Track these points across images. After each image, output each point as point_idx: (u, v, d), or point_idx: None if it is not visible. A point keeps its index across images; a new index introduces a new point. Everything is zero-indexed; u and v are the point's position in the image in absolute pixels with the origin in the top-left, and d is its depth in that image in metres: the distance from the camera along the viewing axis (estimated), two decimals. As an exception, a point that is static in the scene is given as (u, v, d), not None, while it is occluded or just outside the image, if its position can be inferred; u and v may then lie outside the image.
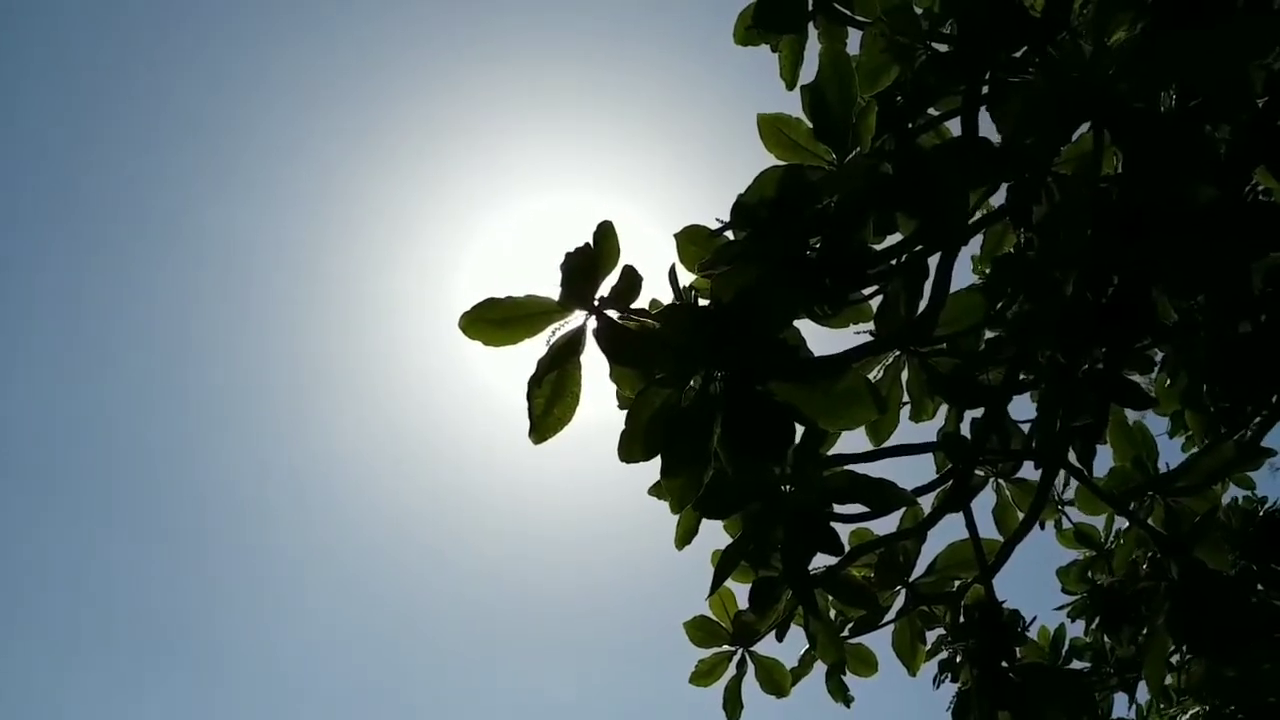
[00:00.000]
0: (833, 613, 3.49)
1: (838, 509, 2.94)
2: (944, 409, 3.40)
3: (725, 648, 3.59)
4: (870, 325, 3.01)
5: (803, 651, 3.61)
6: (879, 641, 3.57)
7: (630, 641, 24.25)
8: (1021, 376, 3.03)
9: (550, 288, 2.48)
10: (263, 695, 23.32)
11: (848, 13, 3.38)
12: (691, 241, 2.88)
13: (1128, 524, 3.53)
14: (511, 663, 23.75)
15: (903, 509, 3.20)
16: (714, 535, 3.17)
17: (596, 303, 2.48)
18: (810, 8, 3.43)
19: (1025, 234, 3.20)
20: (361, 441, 23.30)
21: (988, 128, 2.77)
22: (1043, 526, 3.56)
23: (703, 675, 3.61)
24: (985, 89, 2.79)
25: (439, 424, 22.30)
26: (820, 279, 2.66)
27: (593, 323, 2.50)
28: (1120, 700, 4.54)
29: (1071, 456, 3.14)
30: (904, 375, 3.25)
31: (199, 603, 23.27)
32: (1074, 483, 3.53)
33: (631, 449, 2.48)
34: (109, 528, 23.11)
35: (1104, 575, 3.93)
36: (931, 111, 3.18)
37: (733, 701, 3.61)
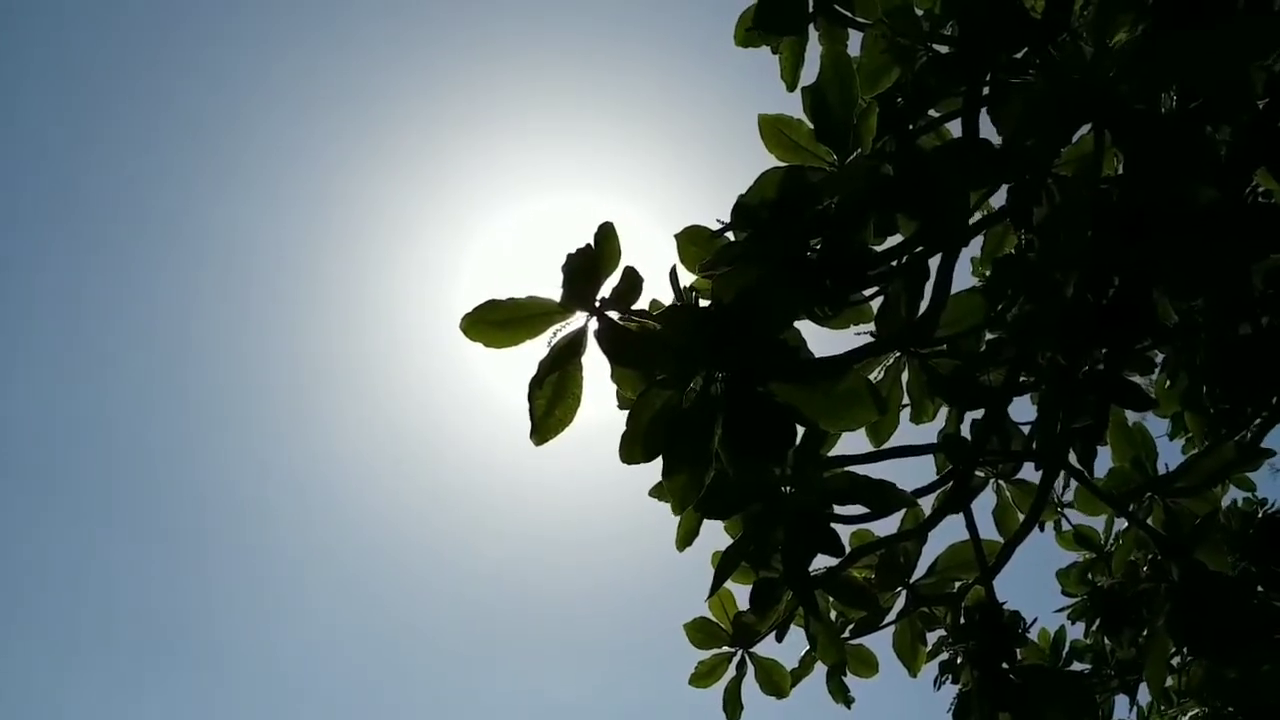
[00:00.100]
0: (833, 614, 3.49)
1: (838, 510, 2.94)
2: (944, 410, 3.39)
3: (725, 649, 3.59)
4: (871, 326, 3.01)
5: (803, 652, 3.61)
6: (880, 642, 3.58)
7: (630, 643, 24.28)
8: (1022, 378, 3.03)
9: (551, 289, 2.48)
10: (263, 695, 23.34)
11: (848, 14, 3.38)
12: (692, 242, 2.88)
13: (1127, 525, 3.53)
14: (512, 663, 23.78)
15: (903, 510, 3.19)
16: (715, 536, 3.17)
17: (598, 304, 2.48)
18: (811, 9, 3.43)
19: (1026, 235, 3.20)
20: (362, 442, 23.31)
21: (988, 129, 2.77)
22: (1042, 528, 3.56)
23: (702, 676, 3.61)
24: (986, 90, 2.79)
25: (440, 425, 22.32)
26: (821, 280, 2.66)
27: (594, 324, 2.49)
28: (1121, 702, 4.53)
29: (1072, 458, 3.14)
30: (904, 376, 3.25)
31: (199, 603, 23.30)
32: (1074, 484, 3.54)
33: (632, 450, 2.48)
34: (109, 528, 23.13)
35: (1104, 577, 3.93)
36: (932, 113, 3.18)
37: (732, 703, 3.61)
